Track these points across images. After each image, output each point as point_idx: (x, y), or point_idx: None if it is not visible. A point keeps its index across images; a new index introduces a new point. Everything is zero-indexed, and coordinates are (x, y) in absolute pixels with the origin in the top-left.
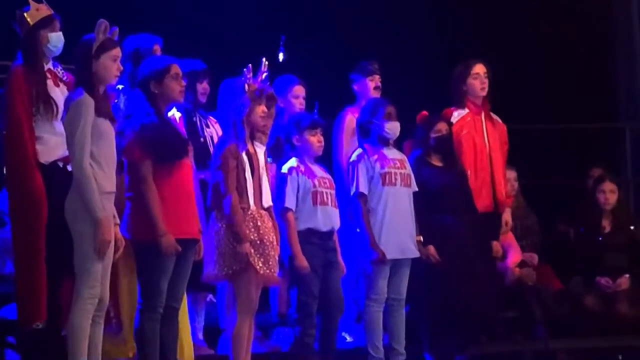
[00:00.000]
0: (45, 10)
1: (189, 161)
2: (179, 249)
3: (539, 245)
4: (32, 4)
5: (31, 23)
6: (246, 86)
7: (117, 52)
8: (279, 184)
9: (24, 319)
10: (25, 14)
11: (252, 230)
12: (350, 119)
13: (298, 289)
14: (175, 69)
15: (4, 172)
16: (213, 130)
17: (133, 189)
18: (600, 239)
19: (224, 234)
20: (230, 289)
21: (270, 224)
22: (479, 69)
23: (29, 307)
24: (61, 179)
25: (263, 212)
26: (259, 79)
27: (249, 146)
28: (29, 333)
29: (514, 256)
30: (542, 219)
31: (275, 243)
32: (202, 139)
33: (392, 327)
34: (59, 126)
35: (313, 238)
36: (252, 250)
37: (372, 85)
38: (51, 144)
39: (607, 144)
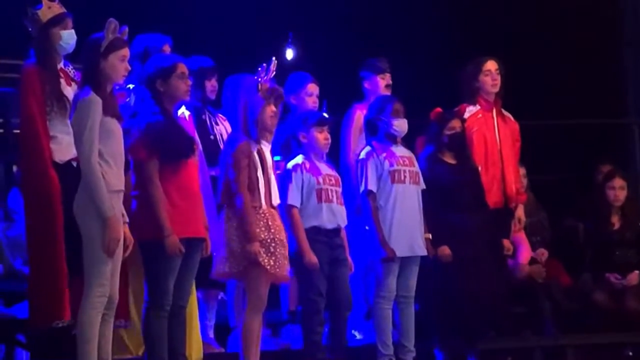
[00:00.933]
0: (57, 8)
1: (195, 160)
2: (183, 250)
3: (548, 242)
4: (45, 2)
5: (43, 21)
6: (259, 86)
7: (125, 52)
8: (284, 181)
9: (40, 317)
10: (37, 12)
11: (263, 229)
12: (359, 116)
13: (304, 286)
14: (182, 67)
15: (14, 170)
16: (222, 128)
17: (139, 188)
18: (609, 235)
19: (234, 232)
20: (240, 287)
21: (280, 222)
22: (491, 65)
23: (46, 305)
24: (75, 178)
25: (273, 211)
26: (268, 78)
27: (258, 145)
28: (39, 331)
29: (525, 253)
30: (552, 215)
31: (285, 241)
32: (212, 137)
33: (401, 324)
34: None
35: (318, 235)
36: (262, 249)
37: (383, 83)
38: (65, 143)
39: (616, 140)
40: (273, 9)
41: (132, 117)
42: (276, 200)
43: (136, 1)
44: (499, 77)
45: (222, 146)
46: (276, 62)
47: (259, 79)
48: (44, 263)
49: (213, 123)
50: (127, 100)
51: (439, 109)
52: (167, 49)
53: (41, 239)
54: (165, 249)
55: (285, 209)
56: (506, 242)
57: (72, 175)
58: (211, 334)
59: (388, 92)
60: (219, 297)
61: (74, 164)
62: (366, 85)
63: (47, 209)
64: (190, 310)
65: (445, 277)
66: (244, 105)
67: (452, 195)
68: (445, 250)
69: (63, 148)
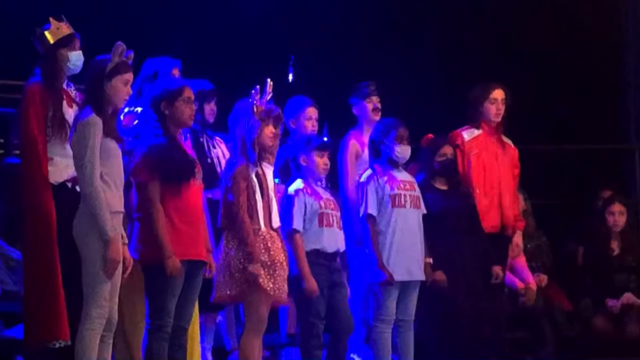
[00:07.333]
0: (66, 29)
1: (197, 183)
2: (182, 273)
3: (548, 266)
4: (53, 23)
5: (51, 41)
6: (254, 107)
7: (129, 76)
8: (286, 205)
9: (36, 337)
10: (45, 32)
11: (263, 251)
12: (353, 144)
13: (304, 309)
14: (188, 92)
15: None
16: (219, 151)
17: (141, 210)
18: (609, 260)
19: (234, 255)
20: (232, 310)
21: (280, 244)
22: (498, 94)
23: (43, 325)
24: (69, 199)
25: (273, 233)
26: (265, 100)
27: (258, 167)
28: (38, 353)
29: (530, 276)
30: (552, 239)
31: (284, 263)
32: (209, 160)
33: (400, 348)
34: (70, 148)
35: (319, 259)
36: (263, 271)
37: (370, 107)
38: (61, 165)
39: (617, 165)
40: (274, 32)
41: (136, 138)
42: (276, 222)
43: (142, 25)
44: (503, 107)
45: (219, 169)
46: (272, 83)
47: (253, 101)
48: (40, 283)
49: (210, 146)
50: (135, 122)
51: (430, 135)
52: (175, 72)
53: (38, 259)
54: (165, 270)
55: (287, 233)
56: (496, 269)
57: (66, 196)
58: (209, 357)
59: (377, 115)
60: (217, 320)
61: (69, 185)
62: (355, 111)
63: (45, 229)
64: (191, 333)
65: (443, 302)
66: (241, 128)
67: (443, 221)
68: (440, 275)
69: (59, 170)
